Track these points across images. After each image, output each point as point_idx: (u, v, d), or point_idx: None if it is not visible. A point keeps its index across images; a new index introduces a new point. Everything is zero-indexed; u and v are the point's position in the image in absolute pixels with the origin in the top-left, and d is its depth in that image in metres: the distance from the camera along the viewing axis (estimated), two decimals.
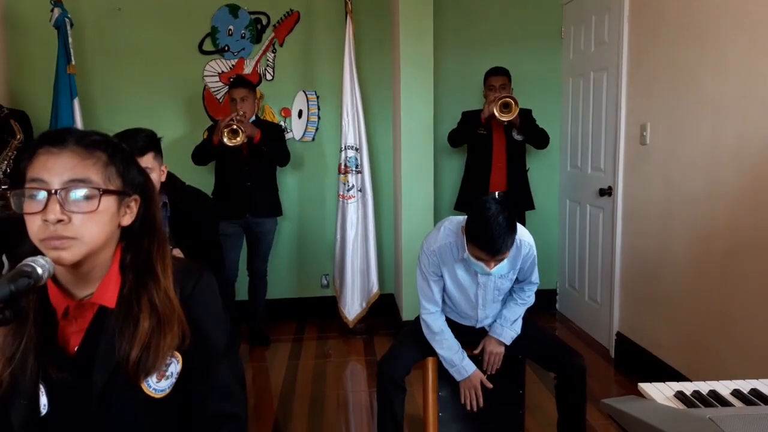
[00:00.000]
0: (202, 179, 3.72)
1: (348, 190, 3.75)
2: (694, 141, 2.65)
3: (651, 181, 3.01)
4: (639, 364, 3.13)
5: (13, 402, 0.97)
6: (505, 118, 3.41)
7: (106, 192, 0.97)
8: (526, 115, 3.60)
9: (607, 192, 3.44)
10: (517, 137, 3.65)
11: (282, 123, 4.07)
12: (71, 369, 0.99)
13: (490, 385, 2.14)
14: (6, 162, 3.20)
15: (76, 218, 0.94)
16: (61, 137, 0.96)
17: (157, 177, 2.13)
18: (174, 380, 1.04)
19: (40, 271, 0.87)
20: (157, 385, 1.02)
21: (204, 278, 1.10)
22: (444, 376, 2.17)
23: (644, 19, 3.05)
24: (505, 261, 1.94)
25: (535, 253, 2.11)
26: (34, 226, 0.93)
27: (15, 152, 3.21)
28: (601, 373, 3.26)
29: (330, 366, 3.47)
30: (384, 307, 4.03)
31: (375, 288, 3.85)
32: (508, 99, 3.39)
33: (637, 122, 3.11)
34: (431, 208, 3.62)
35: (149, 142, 2.08)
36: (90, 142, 0.98)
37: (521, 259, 2.07)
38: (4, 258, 3.07)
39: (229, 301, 3.63)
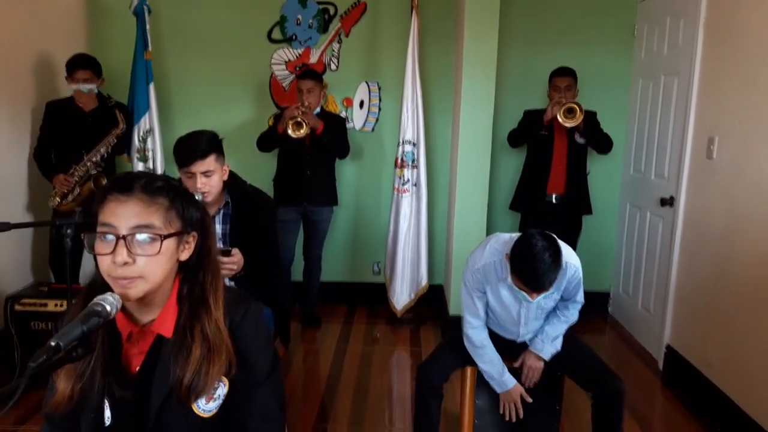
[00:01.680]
0: (265, 164, 3.89)
1: (403, 184, 3.81)
2: (763, 161, 2.55)
3: (715, 197, 2.91)
4: (687, 381, 3.08)
5: (83, 414, 1.12)
6: (569, 123, 3.37)
7: (167, 236, 1.08)
8: (590, 117, 3.53)
9: (668, 202, 3.35)
10: (580, 140, 3.59)
11: (343, 113, 4.15)
12: (132, 388, 1.12)
13: (529, 399, 2.19)
14: (105, 148, 3.41)
15: (141, 260, 1.05)
16: (128, 185, 1.07)
17: (219, 178, 2.25)
18: (221, 402, 1.15)
19: (109, 308, 0.99)
20: (205, 407, 1.14)
21: (251, 309, 1.20)
22: (482, 385, 2.24)
23: (720, 27, 2.91)
24: None
25: (581, 275, 2.11)
26: (104, 264, 1.06)
27: (116, 139, 3.43)
28: (647, 386, 3.23)
29: (376, 354, 3.59)
30: (432, 298, 4.10)
31: (424, 281, 3.92)
32: (573, 105, 3.34)
33: (705, 135, 3.00)
34: (485, 207, 3.62)
35: (211, 144, 2.20)
36: (153, 189, 1.09)
37: (566, 281, 2.08)
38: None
39: (284, 285, 3.79)
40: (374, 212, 4.30)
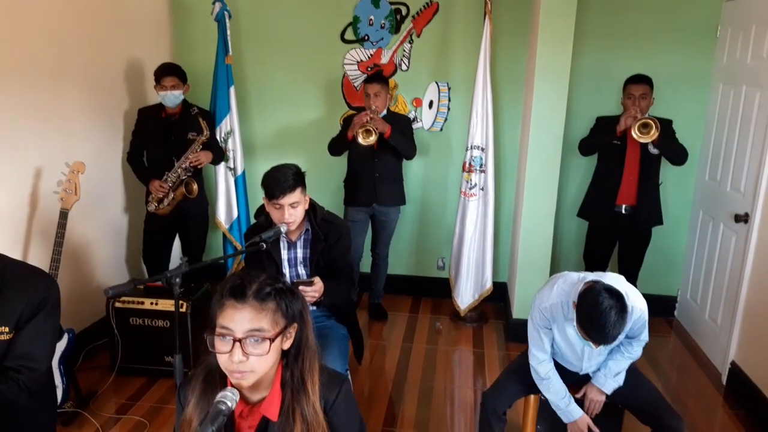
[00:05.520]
0: (336, 162, 4.05)
1: (470, 188, 3.88)
2: None
3: None
4: (749, 400, 3.09)
5: None
6: (643, 139, 3.34)
7: (275, 337, 1.24)
8: (665, 126, 3.46)
9: (743, 218, 3.29)
10: (653, 151, 3.53)
11: (412, 113, 4.23)
12: None
13: (597, 430, 2.29)
14: (193, 155, 3.57)
15: (253, 357, 1.23)
16: (242, 293, 1.25)
17: (302, 208, 2.44)
18: None
19: (230, 404, 1.18)
20: None
21: (342, 390, 1.36)
22: (543, 412, 2.36)
23: None
24: None
25: (646, 317, 2.17)
26: (222, 360, 1.25)
27: (201, 146, 3.57)
28: (708, 401, 3.26)
29: (440, 354, 3.75)
30: (497, 295, 4.20)
31: (489, 284, 4.02)
32: (649, 120, 3.30)
33: None
34: (552, 215, 3.64)
35: (297, 179, 2.39)
36: (263, 296, 1.26)
37: (631, 323, 2.15)
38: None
39: (354, 281, 3.99)
40: (440, 209, 4.40)
